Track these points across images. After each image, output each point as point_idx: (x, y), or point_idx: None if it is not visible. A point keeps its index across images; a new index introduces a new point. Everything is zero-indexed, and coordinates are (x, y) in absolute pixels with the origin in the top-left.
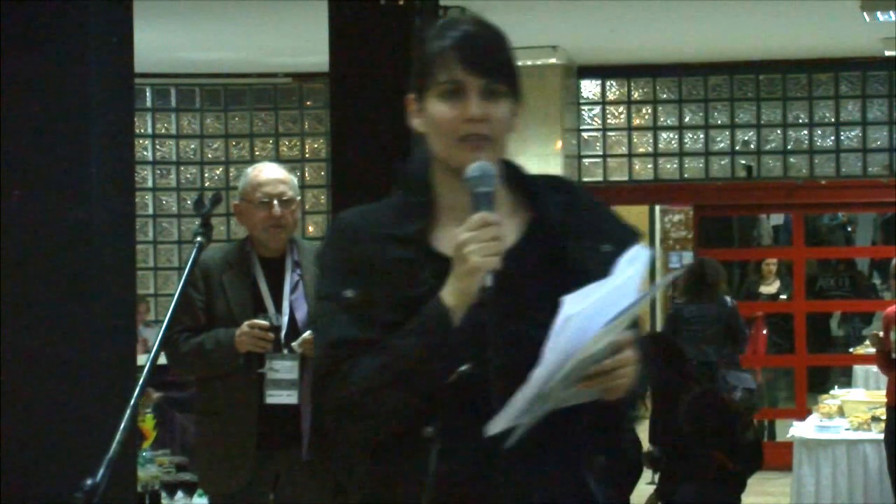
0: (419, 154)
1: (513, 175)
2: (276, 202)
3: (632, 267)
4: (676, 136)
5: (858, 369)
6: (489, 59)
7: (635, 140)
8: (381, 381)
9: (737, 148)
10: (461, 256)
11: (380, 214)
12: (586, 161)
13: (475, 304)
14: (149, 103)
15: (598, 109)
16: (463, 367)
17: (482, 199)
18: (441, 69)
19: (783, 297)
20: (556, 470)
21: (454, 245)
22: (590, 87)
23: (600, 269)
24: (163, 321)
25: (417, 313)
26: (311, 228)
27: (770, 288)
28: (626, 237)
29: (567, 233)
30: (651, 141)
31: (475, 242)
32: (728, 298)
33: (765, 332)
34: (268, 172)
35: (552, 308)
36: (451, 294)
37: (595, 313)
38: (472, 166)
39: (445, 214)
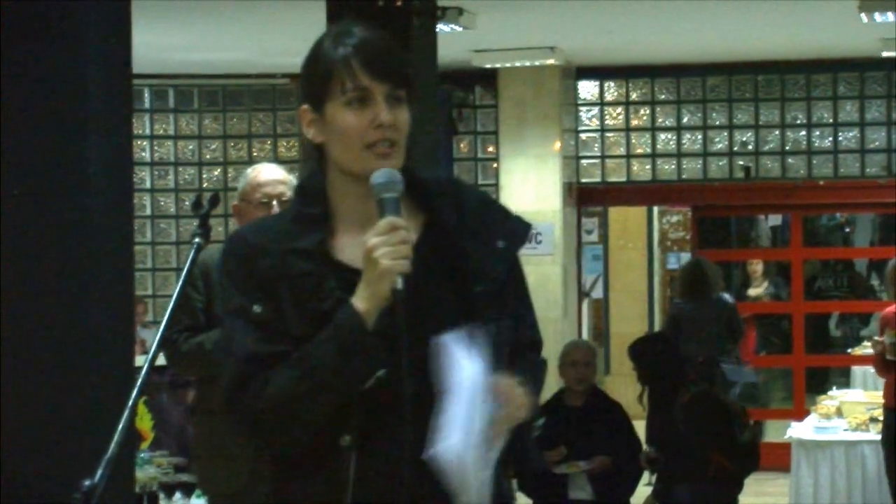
0: (313, 165)
1: (407, 179)
2: (275, 203)
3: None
4: (674, 137)
5: (857, 370)
6: (391, 64)
7: (633, 141)
8: (297, 391)
9: (735, 148)
10: (371, 261)
11: (278, 228)
12: (584, 162)
13: (386, 308)
14: (147, 104)
15: (596, 110)
16: (379, 373)
17: (389, 205)
18: (345, 77)
19: (768, 297)
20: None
21: (364, 250)
22: (588, 88)
23: (495, 266)
24: (161, 322)
25: (329, 323)
26: None
27: (758, 290)
28: (517, 231)
29: (460, 233)
30: (649, 142)
31: (385, 246)
32: (727, 296)
33: (753, 332)
34: (267, 173)
35: (451, 308)
36: (363, 299)
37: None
38: (378, 173)
39: (344, 224)
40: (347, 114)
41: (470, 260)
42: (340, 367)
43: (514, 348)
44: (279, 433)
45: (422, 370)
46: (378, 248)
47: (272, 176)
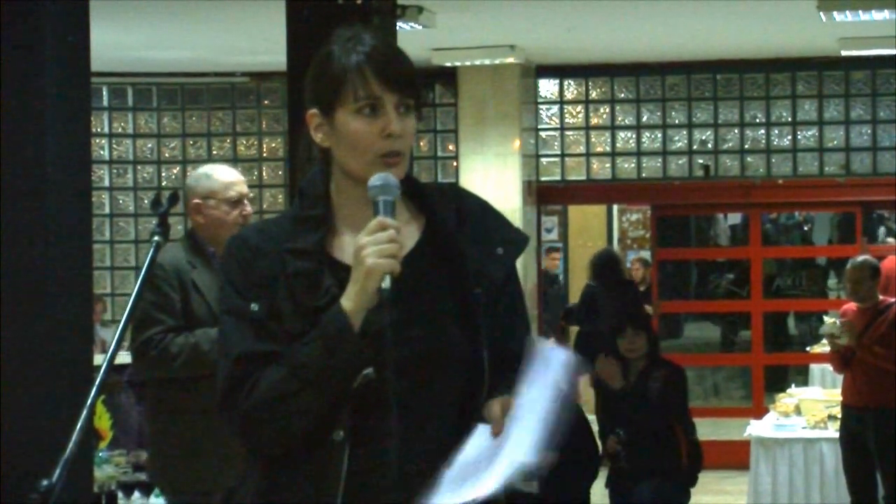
0: (318, 167)
1: (408, 185)
2: (245, 200)
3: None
4: (634, 136)
5: (815, 368)
6: (402, 74)
7: (593, 139)
8: (285, 389)
9: (694, 147)
10: (359, 259)
11: (278, 229)
12: (544, 160)
13: (375, 307)
14: (105, 102)
15: (555, 109)
16: (366, 371)
17: (384, 207)
18: (358, 85)
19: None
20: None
21: (353, 250)
22: (548, 87)
23: (494, 270)
24: (119, 321)
25: (319, 321)
26: None
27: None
28: (516, 241)
29: (460, 236)
30: (609, 140)
31: (373, 245)
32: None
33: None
34: (230, 172)
35: (449, 310)
36: (350, 298)
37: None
38: (376, 176)
39: (346, 225)
40: (358, 122)
41: (469, 262)
42: (325, 365)
43: (512, 361)
44: (269, 432)
45: (414, 368)
46: (366, 246)
47: (237, 176)
